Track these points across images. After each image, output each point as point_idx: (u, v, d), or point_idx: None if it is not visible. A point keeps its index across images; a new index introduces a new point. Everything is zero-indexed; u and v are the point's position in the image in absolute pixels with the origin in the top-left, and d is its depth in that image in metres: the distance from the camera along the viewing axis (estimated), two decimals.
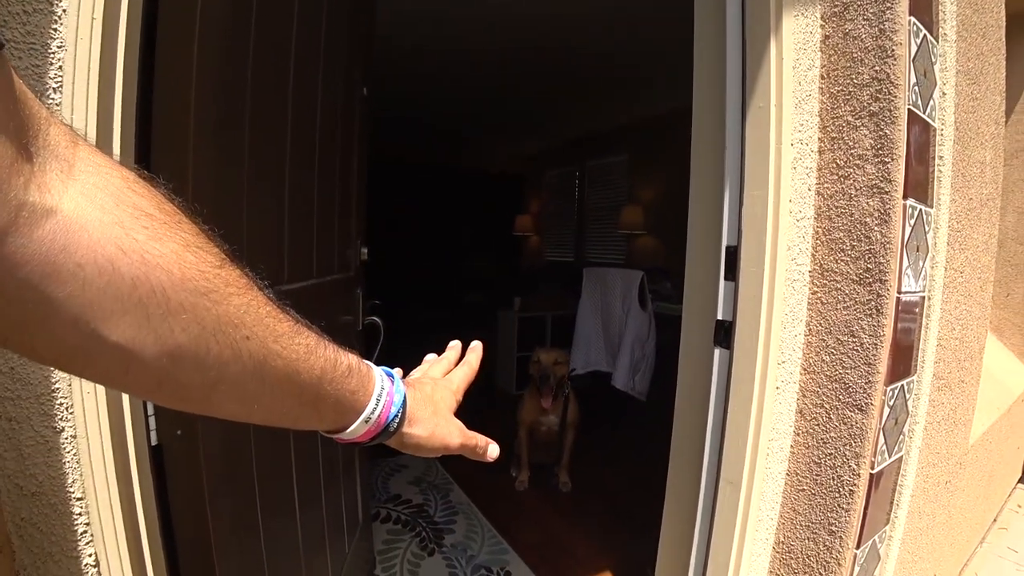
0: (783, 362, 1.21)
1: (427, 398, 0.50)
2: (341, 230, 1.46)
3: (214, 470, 0.81)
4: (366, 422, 0.43)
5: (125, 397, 0.61)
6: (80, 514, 0.59)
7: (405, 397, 0.46)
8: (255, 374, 0.33)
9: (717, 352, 1.28)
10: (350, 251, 1.58)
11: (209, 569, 0.79)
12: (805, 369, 1.24)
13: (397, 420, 0.45)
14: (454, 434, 0.51)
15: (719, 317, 1.28)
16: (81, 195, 0.25)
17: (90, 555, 0.60)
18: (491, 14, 2.93)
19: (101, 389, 0.58)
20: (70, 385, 0.57)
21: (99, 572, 0.61)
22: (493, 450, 0.55)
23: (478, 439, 0.54)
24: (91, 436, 0.58)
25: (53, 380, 0.56)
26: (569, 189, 5.60)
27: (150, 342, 0.28)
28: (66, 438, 0.57)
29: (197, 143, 0.75)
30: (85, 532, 0.60)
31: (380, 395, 0.43)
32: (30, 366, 0.54)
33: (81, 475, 0.59)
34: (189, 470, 0.76)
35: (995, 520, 2.96)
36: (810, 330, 1.23)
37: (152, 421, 0.72)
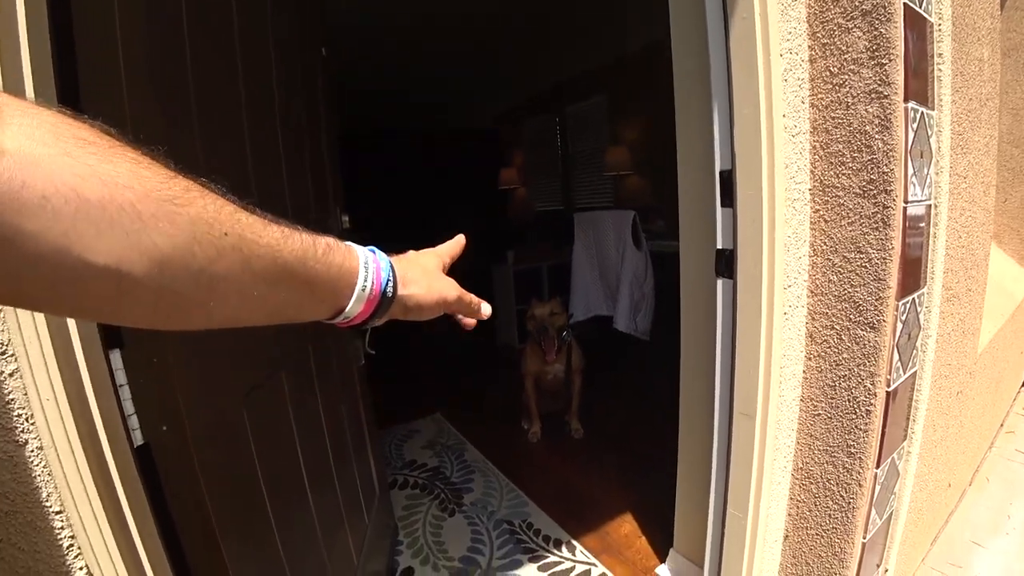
0: (789, 286, 1.16)
1: (412, 261, 0.51)
2: (317, 197, 1.39)
3: (209, 462, 0.78)
4: (363, 291, 0.43)
5: (92, 400, 0.57)
6: (62, 527, 0.55)
7: (391, 263, 0.47)
8: (243, 266, 0.34)
9: (720, 283, 1.24)
10: (331, 220, 1.52)
11: (220, 566, 0.76)
12: (812, 291, 1.19)
13: (391, 284, 0.45)
14: (450, 287, 0.52)
15: (719, 246, 1.23)
16: (20, 134, 0.25)
17: (81, 568, 0.56)
18: None
19: (61, 394, 0.53)
20: (26, 395, 0.52)
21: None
22: (486, 308, 0.57)
23: (472, 296, 0.55)
24: (59, 445, 0.54)
25: (7, 391, 0.51)
26: (550, 137, 5.45)
27: (135, 257, 0.28)
28: (31, 451, 0.53)
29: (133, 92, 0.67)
30: (72, 546, 0.56)
31: (367, 264, 0.44)
32: None
33: (56, 487, 0.54)
34: (182, 465, 0.72)
35: (1002, 425, 2.99)
36: (815, 250, 1.18)
37: (134, 420, 0.67)
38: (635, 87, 4.27)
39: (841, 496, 1.20)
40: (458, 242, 0.60)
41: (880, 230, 1.08)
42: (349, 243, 0.45)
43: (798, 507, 1.30)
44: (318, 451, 1.26)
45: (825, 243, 1.16)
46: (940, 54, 1.22)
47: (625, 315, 2.87)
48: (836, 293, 1.16)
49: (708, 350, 1.31)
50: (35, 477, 0.53)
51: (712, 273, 1.26)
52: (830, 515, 1.24)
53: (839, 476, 1.20)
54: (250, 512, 0.91)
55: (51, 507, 0.54)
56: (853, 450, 1.17)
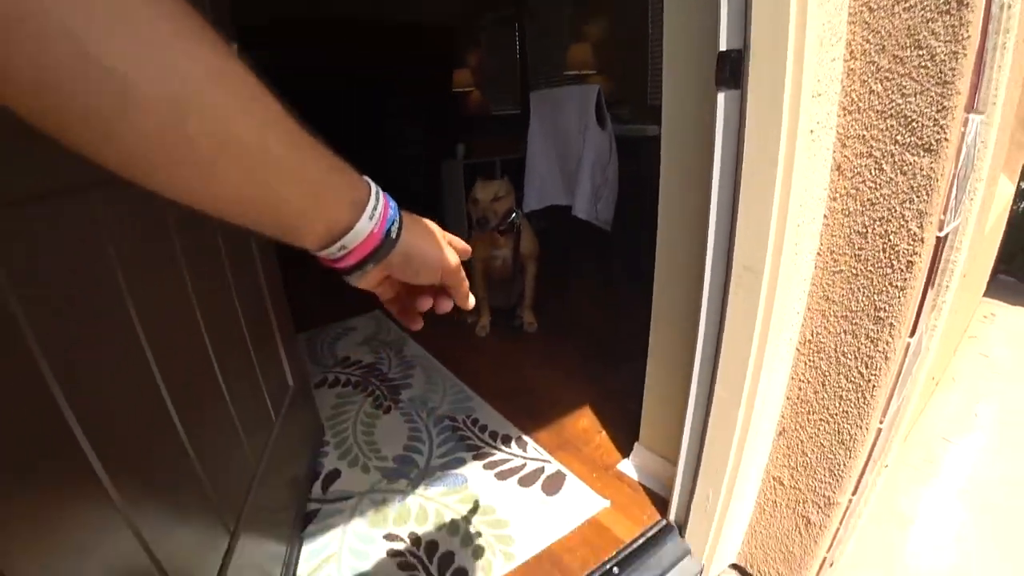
0: (818, 96, 0.86)
1: (416, 217, 0.45)
2: None
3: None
4: (370, 219, 0.38)
5: None
6: None
7: (397, 204, 0.42)
8: (260, 138, 0.30)
9: (721, 97, 0.93)
10: None
11: None
12: (846, 108, 0.89)
13: (397, 223, 0.41)
14: (452, 254, 0.47)
15: (722, 48, 0.91)
16: None
17: None
18: None
19: None
20: None
21: None
22: (472, 300, 0.52)
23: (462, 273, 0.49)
24: None
25: None
26: (508, 35, 4.89)
27: (151, 70, 0.25)
28: None
29: None
30: None
31: (377, 194, 0.40)
32: None
33: None
34: None
35: (965, 330, 2.92)
36: (852, 53, 0.87)
37: None
38: None
39: (859, 373, 0.96)
40: (461, 242, 0.51)
41: (952, 12, 0.78)
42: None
43: (800, 388, 1.06)
44: (194, 354, 0.93)
45: (869, 40, 0.86)
46: None
47: (586, 201, 2.55)
48: (879, 108, 0.86)
49: (700, 188, 1.02)
50: None
51: (710, 84, 0.94)
52: (841, 396, 1.00)
53: (859, 348, 0.96)
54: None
55: None
56: (882, 314, 0.91)
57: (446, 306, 0.51)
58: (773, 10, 0.82)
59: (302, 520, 1.45)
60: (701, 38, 1.03)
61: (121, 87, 0.23)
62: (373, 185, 0.41)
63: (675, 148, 1.16)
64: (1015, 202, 3.62)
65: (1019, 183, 3.37)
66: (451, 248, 0.47)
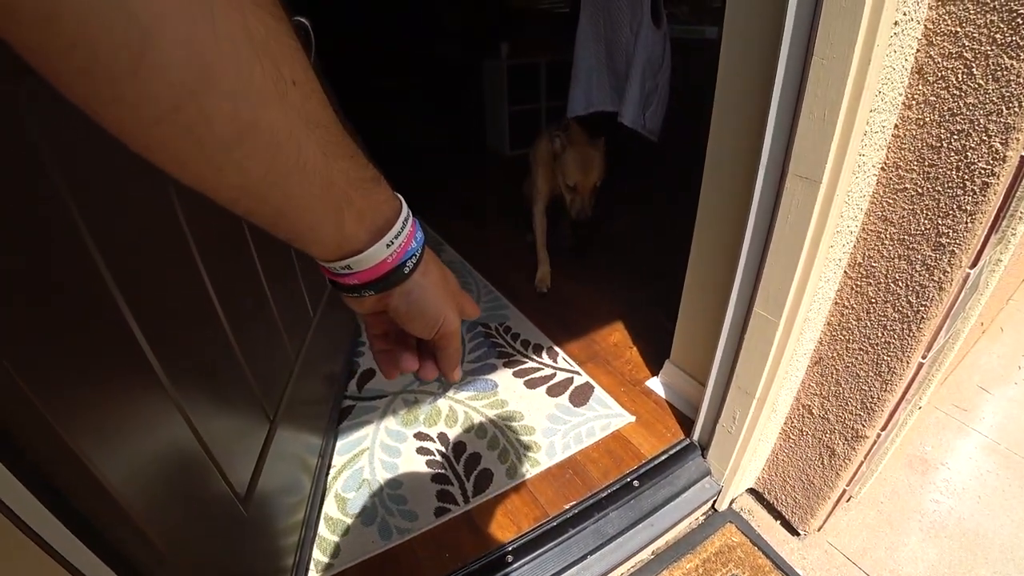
0: None
1: (437, 260, 0.42)
2: None
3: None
4: (387, 247, 0.35)
5: None
6: None
7: (424, 239, 0.39)
8: (292, 132, 0.27)
9: None
10: None
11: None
12: None
13: (415, 259, 0.37)
14: (455, 316, 0.42)
15: None
16: None
17: None
18: None
19: None
20: None
21: None
22: (459, 372, 0.46)
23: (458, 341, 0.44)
24: None
25: None
26: None
27: (180, 27, 0.20)
28: None
29: None
30: None
31: (407, 219, 0.37)
32: None
33: None
34: None
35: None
36: None
37: None
38: None
39: (908, 302, 0.91)
40: (473, 304, 0.46)
41: None
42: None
43: (843, 315, 1.02)
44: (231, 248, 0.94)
45: None
46: None
47: (633, 107, 2.41)
48: None
49: (759, 95, 0.94)
50: None
51: None
52: (885, 326, 0.96)
53: (912, 276, 0.90)
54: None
55: None
56: (944, 240, 0.85)
57: (429, 374, 0.46)
58: None
59: (338, 414, 1.51)
60: None
61: (139, 39, 0.19)
62: (404, 209, 0.37)
63: (737, 47, 1.06)
64: None
65: None
66: (458, 307, 0.43)
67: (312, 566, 1.13)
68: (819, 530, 1.34)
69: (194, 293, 0.80)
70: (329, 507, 1.27)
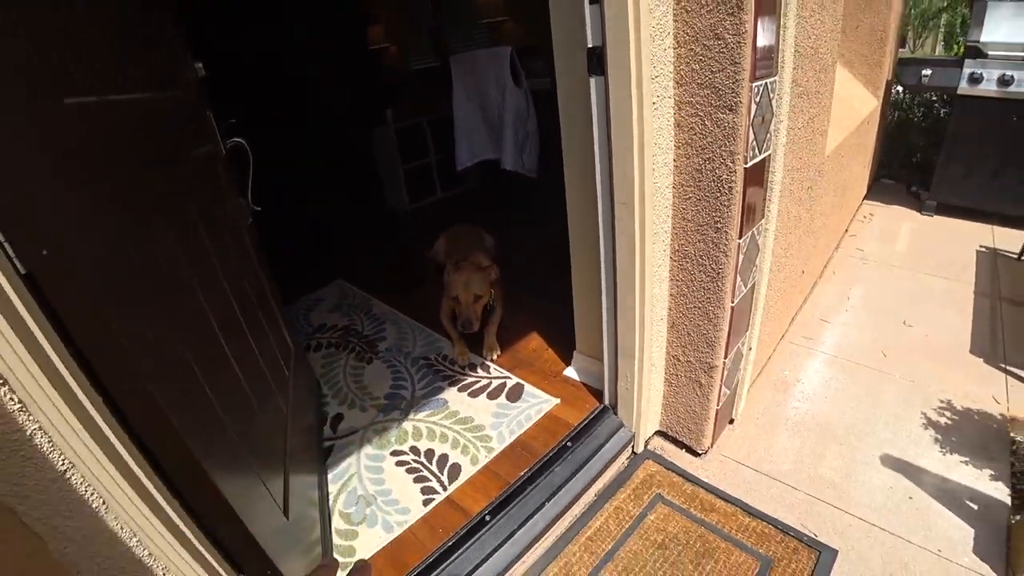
0: (656, 77, 1.24)
1: None
2: (152, 36, 1.23)
3: (105, 293, 0.75)
4: None
5: None
6: None
7: None
8: None
9: (593, 82, 1.30)
10: (181, 65, 1.38)
11: (139, 384, 0.77)
12: (678, 81, 1.28)
13: None
14: None
15: (589, 44, 1.27)
16: None
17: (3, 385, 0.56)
18: None
19: None
20: None
21: (11, 390, 0.57)
22: None
23: None
24: None
25: None
26: None
27: None
28: None
29: None
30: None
31: None
32: None
33: None
34: (73, 293, 0.69)
35: (846, 230, 3.46)
36: (678, 41, 1.25)
37: (8, 248, 0.63)
38: None
39: (712, 268, 1.38)
40: None
41: (735, 15, 1.15)
42: None
43: (678, 286, 1.48)
44: (227, 312, 1.25)
45: (687, 32, 1.23)
46: None
47: (511, 153, 2.91)
48: (699, 80, 1.25)
49: (587, 150, 1.39)
50: None
51: (584, 72, 1.30)
52: (703, 287, 1.42)
53: (708, 250, 1.37)
54: (172, 358, 0.91)
55: None
56: (719, 224, 1.32)
57: None
58: (617, 16, 1.18)
59: (323, 455, 1.80)
60: (577, 38, 1.38)
61: None
62: None
63: (568, 118, 1.52)
64: (885, 116, 4.16)
65: (886, 97, 3.89)
66: None
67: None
68: (712, 447, 1.79)
69: (233, 381, 1.12)
70: (337, 523, 1.56)
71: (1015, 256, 2.94)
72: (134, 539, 0.71)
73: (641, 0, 1.15)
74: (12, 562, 0.60)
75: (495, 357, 2.22)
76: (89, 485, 0.65)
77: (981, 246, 3.14)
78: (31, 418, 0.59)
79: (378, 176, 4.26)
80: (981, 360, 2.17)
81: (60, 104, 0.74)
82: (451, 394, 2.01)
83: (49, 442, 0.61)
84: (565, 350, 2.10)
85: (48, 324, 0.64)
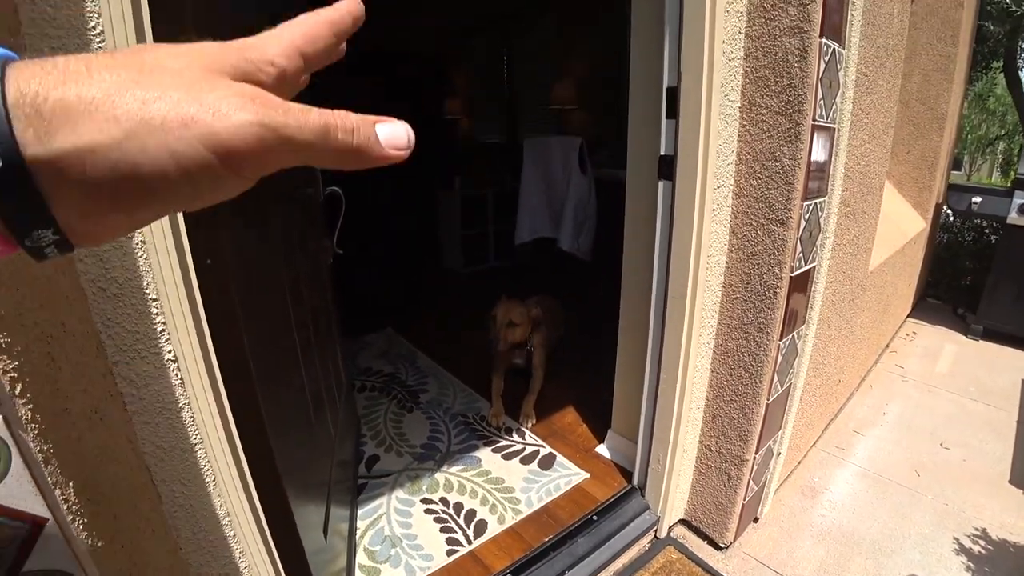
0: (718, 187, 1.38)
1: (105, 62, 0.22)
2: None
3: (243, 302, 0.91)
4: None
5: (180, 220, 0.69)
6: (157, 314, 0.68)
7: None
8: None
9: (661, 185, 1.45)
10: None
11: (250, 383, 0.91)
12: (736, 193, 1.42)
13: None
14: (220, 105, 0.23)
15: (662, 152, 1.43)
16: None
17: (169, 352, 0.70)
18: None
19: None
20: None
21: (178, 368, 0.71)
22: (390, 132, 0.29)
23: (334, 114, 0.26)
24: (156, 242, 0.67)
25: None
26: (496, 67, 5.41)
27: None
28: (137, 243, 0.66)
29: None
30: (163, 330, 0.70)
31: None
32: None
33: (153, 278, 0.67)
34: (221, 297, 0.84)
35: (887, 346, 3.48)
36: (740, 159, 1.40)
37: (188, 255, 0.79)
38: (586, 20, 4.36)
39: (751, 364, 1.47)
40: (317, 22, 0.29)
41: (792, 143, 1.30)
42: None
43: (717, 378, 1.57)
44: (304, 328, 1.40)
45: (749, 153, 1.38)
46: (854, 2, 1.43)
47: (569, 235, 3.09)
48: (755, 195, 1.39)
49: (648, 244, 1.53)
50: (139, 267, 0.65)
51: (655, 176, 1.46)
52: (741, 382, 1.51)
53: (750, 348, 1.46)
54: (272, 362, 1.05)
55: (149, 294, 0.67)
56: (762, 325, 1.42)
57: (387, 156, 0.29)
58: (690, 130, 1.34)
59: (356, 491, 1.89)
60: (650, 146, 1.54)
61: None
62: None
63: (633, 213, 1.68)
64: (934, 237, 4.23)
65: (935, 219, 3.97)
66: (235, 101, 0.23)
67: None
68: (735, 543, 1.81)
69: (300, 396, 1.25)
70: (361, 558, 1.63)
71: None
72: (226, 518, 0.83)
73: (712, 122, 1.31)
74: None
75: (531, 425, 2.30)
76: (208, 462, 0.78)
77: None
78: (184, 393, 0.73)
79: (437, 237, 4.54)
80: (1021, 492, 2.14)
81: None
82: (485, 453, 2.09)
83: (191, 416, 0.74)
84: (598, 427, 2.17)
85: (204, 320, 0.79)
